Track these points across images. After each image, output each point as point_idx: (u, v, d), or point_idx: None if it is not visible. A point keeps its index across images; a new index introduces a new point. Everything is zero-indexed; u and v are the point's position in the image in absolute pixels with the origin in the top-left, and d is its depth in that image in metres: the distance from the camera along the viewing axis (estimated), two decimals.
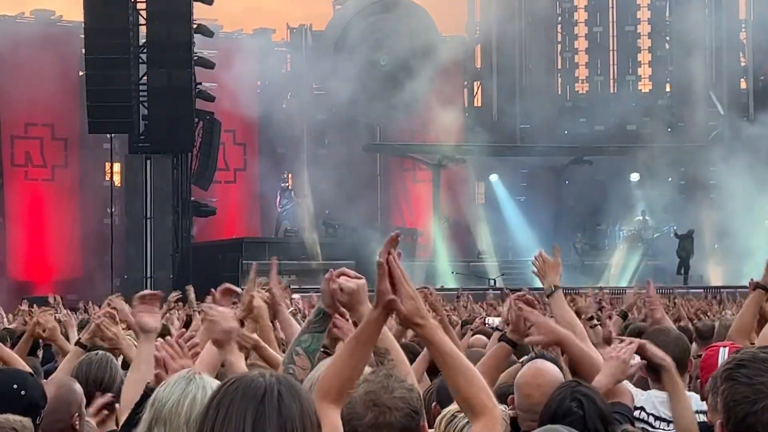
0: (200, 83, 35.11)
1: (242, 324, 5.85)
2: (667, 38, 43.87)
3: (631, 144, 40.58)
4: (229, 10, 39.09)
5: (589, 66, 44.28)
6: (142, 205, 33.13)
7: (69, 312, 12.35)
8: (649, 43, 44.09)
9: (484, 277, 35.32)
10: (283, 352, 5.22)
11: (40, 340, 8.45)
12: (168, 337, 4.37)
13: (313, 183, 41.83)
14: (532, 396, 4.76)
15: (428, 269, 35.37)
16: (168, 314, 11.38)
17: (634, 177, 40.58)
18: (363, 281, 4.34)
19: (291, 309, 10.29)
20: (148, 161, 33.20)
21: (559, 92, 44.42)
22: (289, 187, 41.19)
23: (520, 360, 6.13)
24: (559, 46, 44.55)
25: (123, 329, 7.06)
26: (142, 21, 33.68)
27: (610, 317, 10.03)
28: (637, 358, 4.97)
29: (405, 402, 3.64)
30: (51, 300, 15.52)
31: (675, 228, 37.73)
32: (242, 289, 6.33)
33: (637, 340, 5.01)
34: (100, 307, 9.03)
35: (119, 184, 38.10)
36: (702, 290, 29.84)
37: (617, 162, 40.54)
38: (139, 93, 33.49)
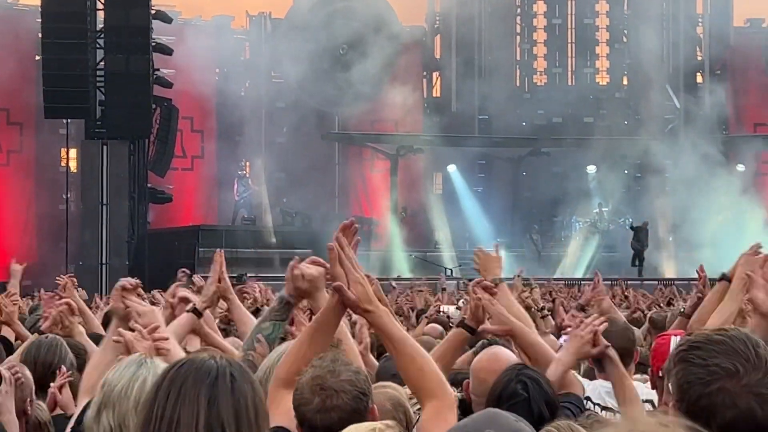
0: (158, 69, 34.89)
1: (199, 315, 5.83)
2: (625, 32, 44.11)
3: (588, 136, 40.79)
4: None
5: (548, 58, 44.43)
6: (98, 191, 32.89)
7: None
8: (607, 36, 44.30)
9: (441, 266, 35.38)
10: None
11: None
12: (132, 321, 4.35)
13: (270, 171, 41.74)
14: (488, 381, 4.79)
15: (384, 259, 35.39)
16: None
17: (591, 169, 40.79)
18: (322, 269, 4.36)
19: (250, 300, 10.25)
20: (105, 147, 32.96)
21: (518, 83, 44.55)
22: (247, 175, 41.04)
23: (473, 349, 6.17)
24: (518, 37, 44.67)
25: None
26: (99, 6, 33.41)
27: (563, 306, 10.12)
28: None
29: (352, 384, 3.65)
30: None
31: (630, 220, 37.96)
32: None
33: (601, 320, 5.04)
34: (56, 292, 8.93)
35: (75, 170, 37.81)
36: (656, 282, 30.05)
37: (574, 154, 40.76)
38: (96, 78, 33.23)
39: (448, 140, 41.29)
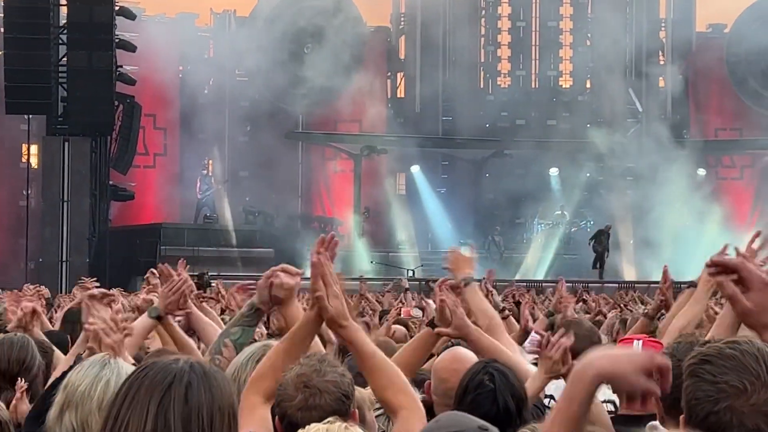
0: (121, 66, 34.70)
1: (159, 320, 5.80)
2: (589, 35, 44.33)
3: (551, 138, 40.98)
4: None
5: (512, 60, 44.58)
6: (59, 187, 32.67)
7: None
8: (571, 39, 44.51)
9: (403, 267, 35.40)
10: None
11: None
12: (102, 315, 4.32)
13: (233, 170, 41.64)
14: (450, 380, 4.80)
15: (346, 259, 35.38)
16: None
17: (554, 171, 40.98)
18: (299, 279, 4.42)
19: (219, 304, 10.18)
20: (66, 143, 32.75)
21: (482, 86, 44.67)
22: (209, 174, 40.92)
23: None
24: (483, 39, 44.78)
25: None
26: (63, 1, 33.20)
27: (532, 315, 10.20)
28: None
29: (336, 386, 3.68)
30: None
31: (592, 222, 38.15)
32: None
33: (564, 341, 5.04)
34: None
35: (36, 166, 37.54)
36: (616, 284, 30.23)
37: (537, 156, 40.92)
38: (59, 74, 33.02)
39: (411, 141, 41.34)
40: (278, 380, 3.64)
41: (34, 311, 6.60)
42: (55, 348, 6.13)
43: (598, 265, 35.58)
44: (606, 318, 11.68)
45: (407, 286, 17.72)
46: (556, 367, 4.91)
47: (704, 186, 38.72)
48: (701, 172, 40.04)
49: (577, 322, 6.07)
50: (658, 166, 37.40)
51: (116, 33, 33.63)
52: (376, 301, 15.50)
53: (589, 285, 27.62)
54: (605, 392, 5.40)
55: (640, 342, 4.85)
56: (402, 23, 44.19)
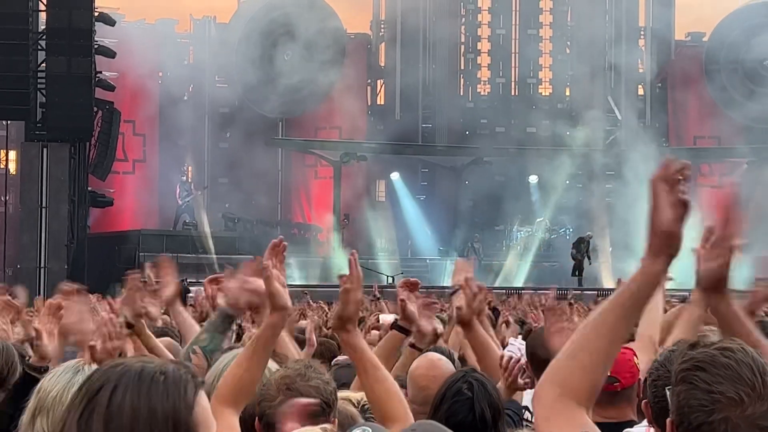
0: (100, 72, 34.61)
1: (130, 326, 5.78)
2: (568, 43, 44.47)
3: (531, 146, 41.06)
4: None
5: (492, 68, 44.66)
6: (38, 193, 32.52)
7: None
8: (551, 47, 44.62)
9: (383, 274, 35.39)
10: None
11: None
12: (111, 316, 4.30)
13: (213, 176, 41.58)
14: (428, 387, 4.81)
15: (325, 266, 35.34)
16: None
17: (533, 179, 41.05)
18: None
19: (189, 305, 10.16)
20: (45, 149, 32.60)
21: (461, 93, 44.74)
22: (189, 180, 40.85)
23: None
24: (463, 47, 44.85)
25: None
26: (42, 7, 33.09)
27: (507, 323, 10.22)
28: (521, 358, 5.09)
29: (318, 392, 3.67)
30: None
31: (571, 229, 38.22)
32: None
33: (521, 362, 5.13)
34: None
35: (14, 172, 37.41)
36: (595, 292, 30.28)
37: (516, 163, 40.99)
38: (38, 80, 32.89)
39: (391, 148, 41.38)
40: (242, 385, 3.62)
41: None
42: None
43: (576, 273, 35.65)
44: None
45: (378, 295, 17.74)
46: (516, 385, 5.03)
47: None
48: None
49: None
50: (637, 173, 37.50)
51: (95, 39, 33.53)
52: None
53: (567, 292, 27.64)
54: (526, 398, 5.43)
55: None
56: (382, 30, 44.24)
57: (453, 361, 5.35)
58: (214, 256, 34.62)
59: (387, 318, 12.62)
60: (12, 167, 37.90)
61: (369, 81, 44.68)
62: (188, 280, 27.24)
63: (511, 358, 5.12)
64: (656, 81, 43.73)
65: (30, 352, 6.17)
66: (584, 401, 2.58)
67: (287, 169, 42.90)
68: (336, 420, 3.76)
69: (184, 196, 39.86)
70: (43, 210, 32.35)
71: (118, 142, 37.92)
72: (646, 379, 4.06)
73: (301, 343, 6.91)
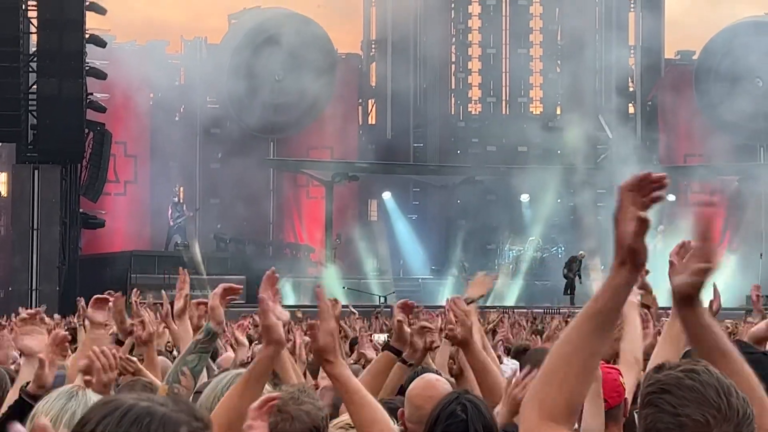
0: (92, 93, 34.64)
1: (121, 343, 5.79)
2: (558, 62, 44.59)
3: (522, 165, 41.12)
4: (122, 20, 38.68)
5: (482, 86, 44.76)
6: (29, 215, 32.51)
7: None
8: (541, 66, 44.74)
9: (375, 294, 35.38)
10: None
11: None
12: (104, 348, 4.29)
13: (205, 197, 41.56)
14: (424, 407, 4.81)
15: (318, 285, 35.33)
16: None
17: (525, 197, 41.08)
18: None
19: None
20: (36, 171, 32.61)
21: (453, 112, 44.82)
22: (181, 201, 40.84)
23: None
24: (453, 66, 44.96)
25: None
26: (33, 29, 33.13)
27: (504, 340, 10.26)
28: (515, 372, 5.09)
29: (309, 416, 3.67)
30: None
31: (563, 248, 38.24)
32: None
33: (531, 376, 5.08)
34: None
35: (6, 194, 37.31)
36: None
37: (508, 182, 41.03)
38: (29, 102, 32.90)
39: (383, 167, 41.44)
40: (234, 417, 3.61)
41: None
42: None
43: (568, 291, 35.67)
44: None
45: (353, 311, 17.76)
46: (518, 406, 4.95)
47: (674, 211, 38.87)
48: (671, 197, 40.20)
49: (543, 350, 6.08)
50: None
51: (87, 61, 33.57)
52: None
53: (561, 311, 27.68)
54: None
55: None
56: (373, 50, 44.33)
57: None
58: (206, 276, 34.56)
59: (380, 338, 12.65)
60: (3, 189, 37.82)
61: (360, 101, 44.76)
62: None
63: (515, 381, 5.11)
64: (646, 99, 43.87)
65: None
66: (563, 420, 2.56)
67: (279, 189, 42.91)
68: None
69: (176, 217, 39.87)
70: (35, 232, 32.32)
71: (110, 163, 37.92)
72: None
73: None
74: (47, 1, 32.40)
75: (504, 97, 44.91)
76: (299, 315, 18.02)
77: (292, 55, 40.39)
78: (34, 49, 33.18)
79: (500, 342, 10.25)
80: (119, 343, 5.99)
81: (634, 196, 2.66)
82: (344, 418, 4.47)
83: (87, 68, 33.58)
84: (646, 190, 2.66)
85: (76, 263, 34.77)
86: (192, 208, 40.67)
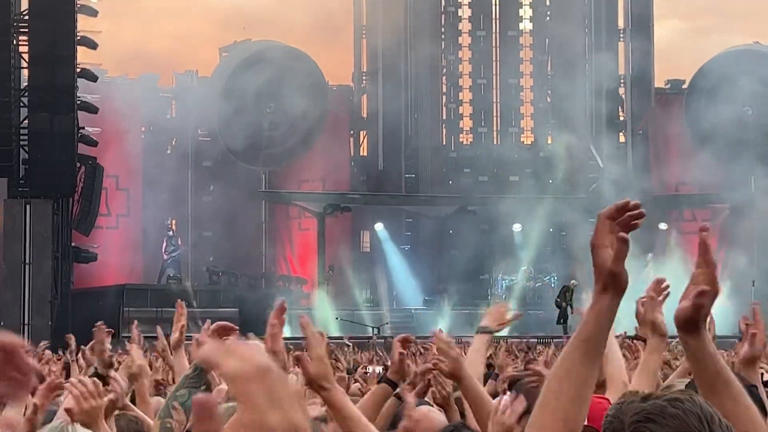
0: (83, 128, 34.66)
1: (100, 376, 5.77)
2: (549, 92, 44.75)
3: (514, 194, 41.16)
4: (113, 54, 38.76)
5: (473, 117, 44.89)
6: (21, 250, 32.45)
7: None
8: (532, 96, 44.89)
9: (368, 325, 35.33)
10: None
11: None
12: (81, 377, 4.29)
13: (197, 230, 41.53)
14: None
15: (310, 317, 35.23)
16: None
17: (517, 227, 41.11)
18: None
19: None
20: (28, 206, 32.58)
21: (444, 143, 44.91)
22: (175, 235, 40.83)
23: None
24: (444, 97, 45.10)
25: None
26: (24, 64, 33.19)
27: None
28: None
29: None
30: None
31: (556, 278, 38.24)
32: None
33: (518, 406, 5.05)
34: None
35: None
36: None
37: (500, 212, 41.03)
38: (20, 136, 32.91)
39: (375, 199, 41.48)
40: None
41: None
42: None
43: (561, 321, 35.63)
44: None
45: (349, 343, 17.70)
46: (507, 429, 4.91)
47: (667, 240, 38.98)
48: (663, 226, 40.31)
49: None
50: None
51: (78, 95, 33.62)
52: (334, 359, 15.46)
53: (554, 340, 27.61)
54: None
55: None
56: (364, 81, 44.45)
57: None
58: (197, 309, 34.48)
59: (376, 371, 12.61)
60: None
61: (352, 132, 44.83)
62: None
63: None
64: (637, 128, 44.00)
65: None
66: None
67: (271, 221, 42.91)
68: None
69: (171, 251, 39.87)
70: (27, 266, 32.26)
71: (102, 197, 37.89)
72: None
73: None
74: (38, 36, 32.48)
75: (495, 127, 45.03)
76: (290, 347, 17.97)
77: (283, 87, 40.48)
78: (26, 83, 33.22)
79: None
80: (98, 376, 5.95)
81: (611, 224, 2.70)
82: None
83: (78, 102, 33.62)
84: (624, 219, 2.69)
85: (68, 297, 34.68)
86: (187, 241, 40.70)
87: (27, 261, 32.37)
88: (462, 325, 35.66)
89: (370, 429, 3.77)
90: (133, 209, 41.33)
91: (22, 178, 33.29)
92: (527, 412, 5.00)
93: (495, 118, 45.00)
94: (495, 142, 44.63)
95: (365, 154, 44.75)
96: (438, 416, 5.10)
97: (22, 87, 33.30)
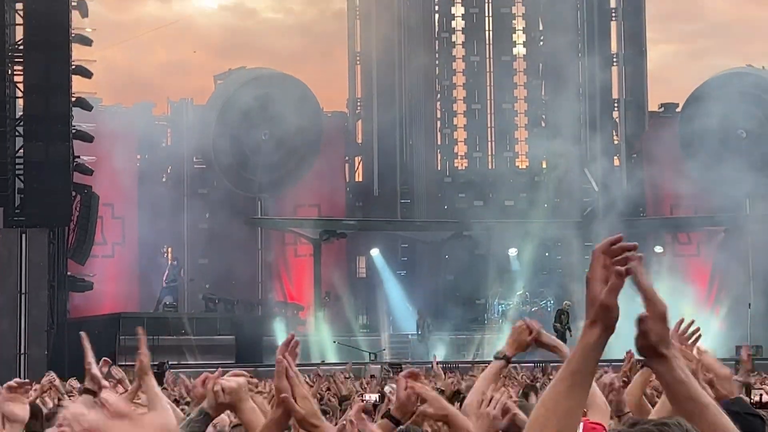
0: (78, 156, 34.69)
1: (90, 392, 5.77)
2: (543, 116, 44.87)
3: (509, 219, 41.20)
4: (108, 83, 38.89)
5: (468, 142, 44.97)
6: (17, 279, 32.41)
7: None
8: (526, 121, 45.01)
9: (365, 351, 35.28)
10: None
11: None
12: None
13: (193, 257, 41.52)
14: None
15: (306, 344, 35.25)
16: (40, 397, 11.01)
17: (512, 251, 41.13)
18: (243, 379, 4.36)
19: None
20: (24, 235, 32.57)
21: (439, 168, 44.99)
22: (177, 264, 40.88)
23: None
24: (439, 122, 45.21)
25: None
26: (19, 93, 33.25)
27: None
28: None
29: None
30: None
31: (552, 302, 38.24)
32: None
33: (502, 397, 5.04)
34: None
35: None
36: None
37: (495, 236, 41.07)
38: (16, 166, 32.94)
39: (370, 224, 41.51)
40: None
41: None
42: None
43: None
44: None
45: (373, 374, 17.63)
46: (496, 422, 4.86)
47: (662, 263, 38.99)
48: (658, 249, 40.35)
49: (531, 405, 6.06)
50: None
51: (73, 124, 33.68)
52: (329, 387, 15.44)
53: (552, 364, 27.59)
54: None
55: (582, 424, 4.86)
56: (358, 108, 44.56)
57: None
58: (193, 337, 34.50)
59: (371, 398, 12.58)
60: None
61: (347, 158, 44.90)
62: (169, 362, 27.13)
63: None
64: (632, 152, 44.09)
65: None
66: None
67: (267, 247, 42.91)
68: None
69: (171, 280, 39.90)
70: (23, 296, 32.22)
71: (97, 225, 37.89)
72: None
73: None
74: (33, 66, 32.57)
75: (490, 152, 45.12)
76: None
77: (277, 114, 40.56)
78: (21, 113, 33.28)
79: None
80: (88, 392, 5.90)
81: (606, 259, 2.73)
82: None
83: (73, 131, 33.68)
84: (618, 255, 2.73)
85: (64, 326, 34.61)
86: (186, 273, 40.78)
87: (23, 290, 32.34)
88: (458, 351, 35.73)
89: None
90: (129, 237, 41.33)
91: (17, 207, 33.29)
92: None
93: (490, 143, 45.10)
94: (490, 167, 44.71)
95: (360, 179, 44.80)
96: None
97: (17, 116, 33.35)
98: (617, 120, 44.36)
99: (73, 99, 33.72)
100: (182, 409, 7.89)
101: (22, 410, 5.15)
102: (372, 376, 17.11)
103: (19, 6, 33.24)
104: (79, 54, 34.34)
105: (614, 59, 44.27)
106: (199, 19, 52.90)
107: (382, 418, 5.75)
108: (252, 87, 41.40)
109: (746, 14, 58.62)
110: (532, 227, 40.22)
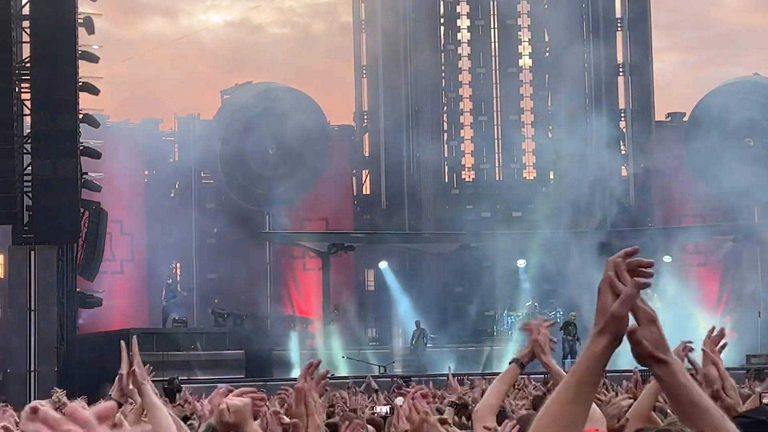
0: (86, 173, 34.78)
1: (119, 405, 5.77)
2: (550, 127, 44.86)
3: (517, 230, 41.17)
4: (115, 99, 39.03)
5: (475, 154, 44.98)
6: (26, 297, 32.46)
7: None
8: (533, 132, 45.00)
9: (374, 364, 35.25)
10: None
11: None
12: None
13: (202, 272, 41.57)
14: None
15: (315, 357, 35.20)
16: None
17: (521, 263, 41.08)
18: (248, 400, 4.35)
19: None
20: (33, 252, 32.62)
21: (446, 180, 44.99)
22: (173, 281, 40.92)
23: None
24: (445, 134, 45.22)
25: None
26: (26, 111, 33.34)
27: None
28: None
29: None
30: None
31: (561, 312, 38.18)
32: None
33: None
34: None
35: (2, 276, 37.32)
36: None
37: (504, 248, 41.02)
38: (24, 183, 33.03)
39: (378, 237, 41.50)
40: None
41: None
42: None
43: (569, 356, 35.54)
44: None
45: (376, 386, 17.59)
46: None
47: (671, 273, 38.92)
48: (667, 259, 40.26)
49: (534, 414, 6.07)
50: None
51: (81, 141, 33.77)
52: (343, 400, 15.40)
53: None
54: None
55: None
56: (365, 121, 44.60)
57: None
58: (202, 352, 34.52)
59: (382, 410, 12.55)
60: (0, 271, 37.83)
61: (354, 171, 44.93)
62: (179, 378, 27.14)
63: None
64: (639, 162, 44.05)
65: None
66: None
67: (275, 261, 42.95)
68: None
69: (170, 297, 39.97)
70: (32, 313, 32.26)
71: (106, 242, 37.96)
72: None
73: None
74: (40, 83, 32.67)
75: (497, 163, 45.11)
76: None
77: (284, 128, 40.62)
78: (28, 130, 33.36)
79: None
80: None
81: (620, 270, 2.73)
82: None
83: (81, 148, 33.77)
84: (633, 268, 2.72)
85: (74, 343, 34.68)
86: (186, 288, 40.77)
87: (32, 307, 32.38)
88: (468, 363, 35.66)
89: None
90: (137, 253, 41.40)
91: (26, 224, 33.37)
92: None
93: (497, 155, 45.09)
94: (497, 179, 44.71)
95: (368, 192, 44.82)
96: None
97: (24, 134, 33.44)
98: (624, 130, 44.34)
99: (81, 116, 33.82)
100: (190, 425, 7.90)
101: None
102: (376, 390, 17.04)
103: (25, 24, 33.36)
104: (85, 71, 34.46)
105: (620, 69, 44.28)
106: (205, 35, 53.06)
107: None
108: (259, 101, 41.51)
109: (753, 23, 58.62)
110: (540, 238, 40.18)
